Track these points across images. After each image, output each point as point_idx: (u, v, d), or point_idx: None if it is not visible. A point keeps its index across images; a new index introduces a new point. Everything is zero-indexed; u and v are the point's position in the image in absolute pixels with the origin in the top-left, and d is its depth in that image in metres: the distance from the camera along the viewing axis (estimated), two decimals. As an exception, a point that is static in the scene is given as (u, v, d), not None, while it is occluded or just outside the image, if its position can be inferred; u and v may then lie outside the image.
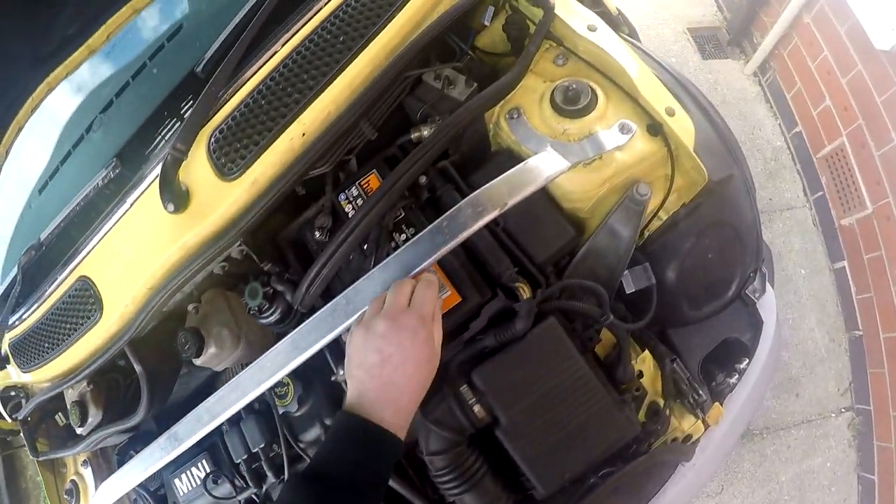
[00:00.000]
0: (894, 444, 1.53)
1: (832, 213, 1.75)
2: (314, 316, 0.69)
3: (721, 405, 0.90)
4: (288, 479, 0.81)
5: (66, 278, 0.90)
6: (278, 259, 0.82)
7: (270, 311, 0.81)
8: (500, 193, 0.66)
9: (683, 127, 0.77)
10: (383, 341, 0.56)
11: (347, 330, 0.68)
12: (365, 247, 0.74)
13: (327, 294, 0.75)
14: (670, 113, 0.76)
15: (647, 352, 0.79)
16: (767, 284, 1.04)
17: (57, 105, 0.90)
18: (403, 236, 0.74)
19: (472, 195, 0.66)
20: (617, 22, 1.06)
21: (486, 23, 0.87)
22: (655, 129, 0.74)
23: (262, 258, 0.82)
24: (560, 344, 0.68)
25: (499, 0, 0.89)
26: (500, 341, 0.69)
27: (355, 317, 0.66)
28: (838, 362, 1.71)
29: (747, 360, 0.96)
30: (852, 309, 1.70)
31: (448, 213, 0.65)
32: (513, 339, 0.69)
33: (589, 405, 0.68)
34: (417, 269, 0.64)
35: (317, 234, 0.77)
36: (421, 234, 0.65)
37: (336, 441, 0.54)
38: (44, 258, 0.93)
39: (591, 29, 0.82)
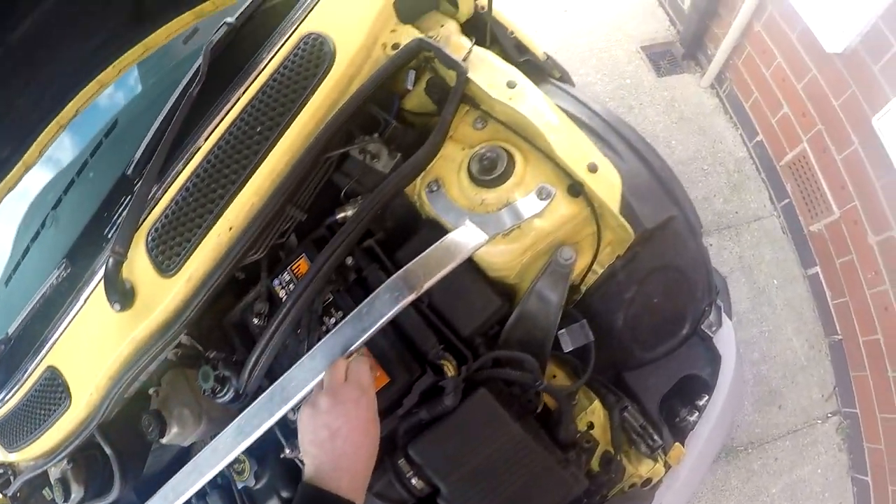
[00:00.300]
0: (884, 445, 1.51)
1: (800, 220, 1.73)
2: (254, 403, 0.72)
3: (683, 443, 0.90)
4: None
5: (35, 368, 0.95)
6: (225, 343, 0.86)
7: (224, 392, 0.85)
8: (417, 276, 0.67)
9: (607, 182, 0.77)
10: (329, 416, 0.59)
11: (290, 412, 0.71)
12: (299, 331, 0.76)
13: (271, 375, 0.78)
14: (593, 169, 0.76)
15: (596, 402, 0.80)
16: (724, 317, 1.04)
17: (13, 202, 0.95)
18: (333, 320, 0.76)
19: (389, 280, 0.68)
20: (545, 68, 1.07)
21: (410, 87, 0.87)
22: (576, 189, 0.75)
23: (208, 344, 0.85)
24: (492, 413, 0.70)
25: (419, 63, 0.89)
26: (433, 415, 0.71)
27: (292, 402, 0.69)
28: (820, 368, 1.70)
29: (707, 397, 0.95)
30: (829, 314, 1.68)
31: (367, 299, 0.68)
32: (445, 412, 0.71)
33: (530, 467, 0.69)
34: (349, 351, 0.67)
35: (255, 320, 0.80)
36: (343, 322, 0.68)
37: None
38: (14, 350, 0.98)
39: (511, 85, 0.82)
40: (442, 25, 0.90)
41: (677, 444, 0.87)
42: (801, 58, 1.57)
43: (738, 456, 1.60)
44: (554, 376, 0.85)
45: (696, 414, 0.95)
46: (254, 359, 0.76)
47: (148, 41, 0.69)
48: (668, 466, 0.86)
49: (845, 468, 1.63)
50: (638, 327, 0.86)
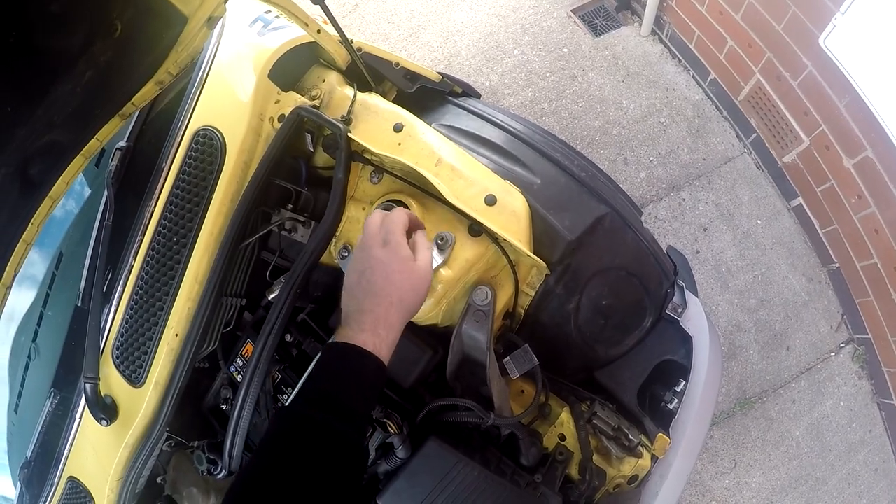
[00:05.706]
0: (905, 368, 1.45)
1: (772, 153, 1.64)
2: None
3: (667, 433, 0.86)
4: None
5: (59, 480, 1.06)
6: (208, 427, 0.92)
7: (218, 470, 0.92)
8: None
9: (510, 210, 0.77)
10: (356, 262, 0.59)
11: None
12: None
13: (251, 449, 0.83)
14: (490, 202, 0.76)
15: (564, 413, 0.81)
16: (689, 294, 1.00)
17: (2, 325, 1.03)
18: (286, 396, 0.81)
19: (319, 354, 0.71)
20: (443, 88, 1.04)
21: (311, 149, 0.88)
22: (476, 228, 0.75)
23: (193, 432, 0.92)
24: (444, 457, 0.73)
25: (311, 126, 0.86)
26: (392, 467, 0.75)
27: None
28: (823, 300, 1.63)
29: (684, 382, 0.92)
30: (822, 243, 1.60)
31: (303, 377, 0.72)
32: (401, 464, 0.74)
33: (497, 498, 0.72)
34: None
35: (223, 406, 0.86)
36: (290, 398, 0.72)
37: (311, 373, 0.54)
38: (35, 470, 1.09)
39: (398, 129, 0.81)
40: (324, 80, 0.90)
41: (661, 434, 0.84)
42: (734, -14, 1.46)
43: (754, 406, 1.57)
44: (522, 391, 0.87)
45: (676, 401, 0.92)
46: (228, 442, 0.82)
47: (52, 193, 0.71)
48: (655, 458, 0.85)
49: (869, 395, 1.58)
50: (594, 331, 0.86)
